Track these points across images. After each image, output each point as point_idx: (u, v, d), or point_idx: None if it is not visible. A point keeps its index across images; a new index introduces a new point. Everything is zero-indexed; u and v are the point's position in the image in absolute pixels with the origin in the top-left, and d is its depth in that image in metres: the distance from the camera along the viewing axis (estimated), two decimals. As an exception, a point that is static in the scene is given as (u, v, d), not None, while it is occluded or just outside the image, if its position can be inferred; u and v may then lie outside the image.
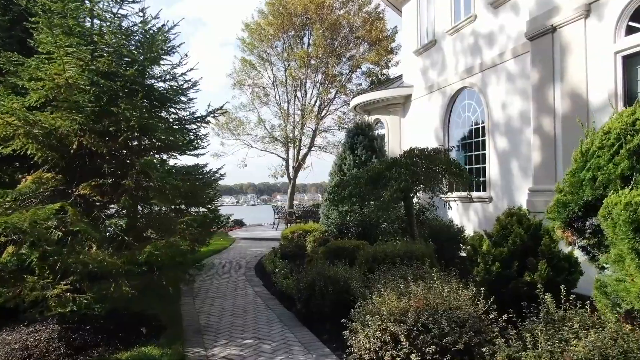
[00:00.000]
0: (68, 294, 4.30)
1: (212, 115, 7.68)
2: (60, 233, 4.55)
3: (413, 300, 3.82)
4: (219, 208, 20.95)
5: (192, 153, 10.24)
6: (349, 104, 26.18)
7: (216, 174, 9.72)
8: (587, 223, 4.13)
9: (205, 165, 9.74)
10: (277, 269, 8.18)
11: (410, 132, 13.38)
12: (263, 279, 8.50)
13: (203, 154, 10.24)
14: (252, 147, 26.26)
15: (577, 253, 4.73)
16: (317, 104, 25.22)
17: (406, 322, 3.59)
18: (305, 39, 25.01)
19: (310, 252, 10.18)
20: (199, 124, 7.53)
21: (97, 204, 5.29)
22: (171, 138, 8.09)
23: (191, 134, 9.81)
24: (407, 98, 13.60)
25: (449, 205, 8.30)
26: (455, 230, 9.18)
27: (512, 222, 5.55)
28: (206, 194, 6.81)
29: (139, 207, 6.67)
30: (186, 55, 7.90)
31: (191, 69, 6.35)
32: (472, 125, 10.81)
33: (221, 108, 7.51)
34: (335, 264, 6.88)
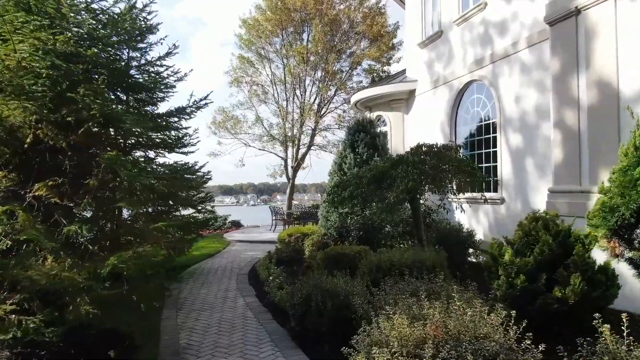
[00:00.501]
0: (13, 316, 3.58)
1: (195, 107, 6.98)
2: (8, 242, 3.84)
3: (430, 327, 3.09)
4: (213, 209, 20.04)
5: (180, 151, 9.58)
6: (349, 102, 25.47)
7: (199, 172, 9.03)
8: (639, 231, 3.41)
9: (194, 165, 9.06)
10: (270, 277, 7.47)
11: (414, 129, 12.65)
12: (256, 287, 7.78)
13: (193, 152, 9.56)
14: (249, 146, 25.56)
15: (622, 265, 4.01)
16: (317, 101, 24.51)
17: (422, 357, 2.87)
18: (305, 36, 24.32)
19: (308, 257, 9.46)
20: (180, 116, 6.82)
21: (59, 207, 4.57)
22: (150, 134, 7.42)
23: (176, 127, 9.13)
24: (411, 93, 12.87)
25: (462, 207, 7.57)
26: (465, 234, 8.45)
27: (537, 227, 4.83)
28: (189, 194, 6.04)
29: (125, 210, 5.98)
30: (175, 45, 7.22)
31: (169, 52, 5.61)
32: (481, 121, 10.09)
33: (206, 98, 6.81)
34: (334, 273, 6.16)
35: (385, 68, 25.42)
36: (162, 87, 5.80)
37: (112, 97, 5.63)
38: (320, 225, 11.59)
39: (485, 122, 9.91)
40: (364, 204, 6.45)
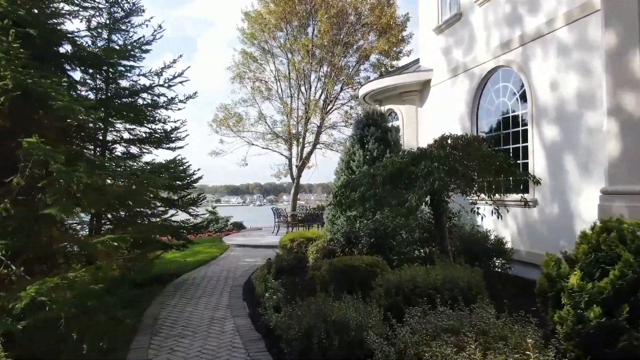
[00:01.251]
0: None
1: (168, 84, 5.92)
2: None
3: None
4: (215, 209, 18.82)
5: (168, 146, 8.48)
6: (356, 98, 24.32)
7: (184, 170, 7.98)
8: None
9: (178, 162, 7.98)
10: (267, 294, 6.35)
11: (429, 123, 11.49)
12: (250, 303, 6.68)
13: (181, 147, 8.47)
14: (253, 144, 24.48)
15: None
16: (323, 97, 23.37)
17: None
18: (310, 30, 23.17)
19: (312, 266, 8.34)
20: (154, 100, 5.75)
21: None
22: (133, 127, 6.36)
23: (158, 119, 8.04)
24: (426, 84, 11.70)
25: (497, 212, 6.38)
26: (494, 242, 7.30)
27: (609, 240, 3.67)
28: (145, 196, 4.94)
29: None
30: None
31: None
32: (508, 113, 8.91)
33: (181, 75, 5.73)
34: (342, 293, 5.05)
35: (395, 62, 24.21)
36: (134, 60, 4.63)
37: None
38: (325, 230, 10.47)
39: (513, 114, 8.73)
40: (377, 207, 5.32)
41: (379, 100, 13.06)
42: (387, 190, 5.05)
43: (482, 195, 6.09)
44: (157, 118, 8.29)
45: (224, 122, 24.05)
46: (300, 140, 23.44)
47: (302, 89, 23.28)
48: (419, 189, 4.68)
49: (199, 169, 8.40)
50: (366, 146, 9.81)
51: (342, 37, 22.14)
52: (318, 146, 24.72)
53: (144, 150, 8.37)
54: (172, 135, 8.47)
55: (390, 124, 10.39)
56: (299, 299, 4.83)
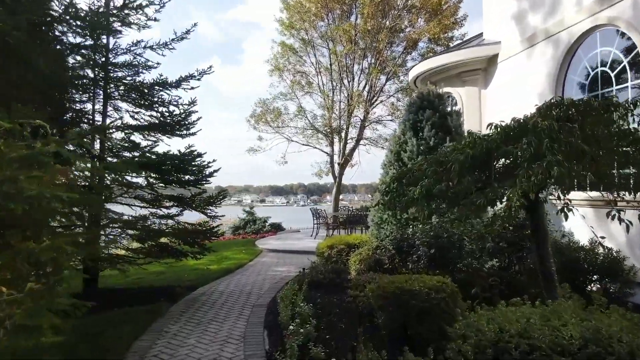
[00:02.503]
0: None
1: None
2: None
3: None
4: (252, 210, 17.25)
5: (180, 133, 7.07)
6: (403, 90, 22.37)
7: (195, 161, 6.51)
8: None
9: (189, 153, 6.56)
10: (293, 324, 4.72)
11: (496, 107, 9.48)
12: (272, 334, 5.08)
13: (193, 133, 7.06)
14: (292, 141, 23.06)
15: None
16: (367, 89, 21.57)
17: None
18: (353, 18, 21.42)
19: (355, 282, 6.67)
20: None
21: None
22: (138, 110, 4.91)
23: (169, 102, 6.65)
24: (492, 61, 9.70)
25: (626, 219, 4.39)
26: (605, 258, 5.31)
27: None
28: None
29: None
30: None
31: None
32: (611, 86, 6.83)
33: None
34: (394, 330, 3.37)
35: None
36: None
37: None
38: (370, 235, 8.74)
39: (619, 87, 6.65)
40: (451, 207, 3.56)
41: (433, 83, 11.07)
42: (468, 183, 3.27)
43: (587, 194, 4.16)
44: (165, 100, 6.89)
45: (261, 117, 22.79)
46: (342, 135, 21.77)
47: (345, 81, 21.61)
48: (524, 180, 2.88)
49: (214, 160, 6.92)
50: (421, 134, 8.01)
51: (387, 23, 20.26)
52: (362, 142, 22.98)
53: (150, 138, 6.98)
54: (184, 120, 7.05)
55: (451, 109, 8.50)
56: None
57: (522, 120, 3.37)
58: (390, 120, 22.92)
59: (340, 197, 23.37)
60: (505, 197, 2.98)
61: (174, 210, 7.43)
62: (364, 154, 51.69)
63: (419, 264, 6.21)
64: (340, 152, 22.26)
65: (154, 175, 6.56)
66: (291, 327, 4.67)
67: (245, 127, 23.21)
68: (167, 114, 6.75)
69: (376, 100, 21.93)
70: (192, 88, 7.01)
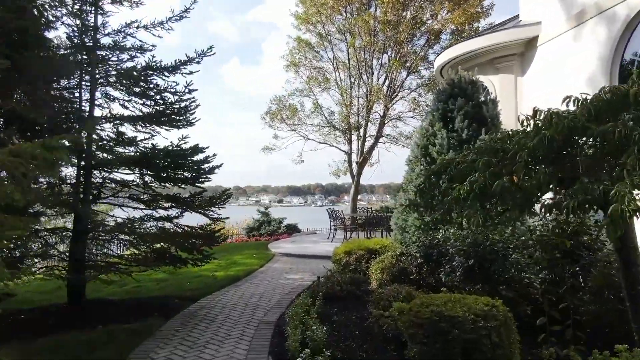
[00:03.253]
0: None
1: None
2: None
3: None
4: (267, 210, 16.25)
5: (178, 124, 6.26)
6: (425, 86, 21.26)
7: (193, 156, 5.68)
8: None
9: (181, 146, 5.71)
10: (303, 354, 3.80)
11: (535, 94, 8.42)
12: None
13: (192, 123, 6.26)
14: (308, 139, 22.18)
15: None
16: (386, 83, 20.54)
17: None
18: (372, 10, 20.39)
19: (377, 296, 5.73)
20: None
21: None
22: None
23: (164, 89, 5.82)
24: (530, 44, 8.63)
25: None
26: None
27: None
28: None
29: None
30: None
31: None
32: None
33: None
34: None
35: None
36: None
37: None
38: (394, 240, 7.78)
39: (695, 65, 5.56)
40: (521, 209, 2.60)
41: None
42: (543, 177, 2.32)
43: None
44: (161, 87, 6.07)
45: (277, 114, 21.96)
46: (361, 132, 20.78)
47: (364, 77, 20.60)
48: (638, 171, 1.93)
49: (214, 155, 6.06)
50: (452, 125, 7.03)
51: (407, 15, 19.18)
52: (381, 140, 21.94)
53: (143, 130, 6.16)
54: (183, 110, 6.22)
55: (482, 98, 7.47)
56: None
57: (622, 87, 2.38)
58: (411, 117, 21.85)
59: (358, 197, 22.37)
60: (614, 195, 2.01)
61: (173, 212, 6.62)
62: (384, 153, 50.48)
63: (454, 277, 5.22)
64: (359, 150, 21.29)
65: (149, 172, 5.74)
66: (303, 353, 3.76)
67: (261, 126, 22.19)
68: (161, 101, 5.91)
69: (396, 95, 20.87)
70: (191, 72, 6.18)
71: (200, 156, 6.15)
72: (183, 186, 6.11)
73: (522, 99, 8.80)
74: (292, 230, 18.79)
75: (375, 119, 20.99)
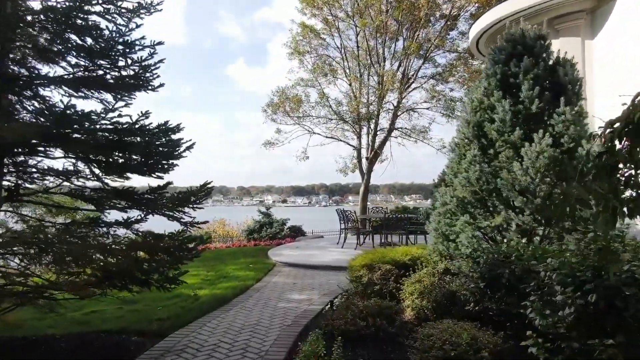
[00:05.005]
0: None
1: None
2: None
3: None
4: (269, 211, 14.18)
5: (132, 88, 4.26)
6: (440, 76, 19.28)
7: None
8: None
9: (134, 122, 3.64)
10: None
11: (613, 61, 6.45)
12: None
13: (154, 88, 4.30)
14: (314, 133, 20.23)
15: None
16: (401, 70, 18.59)
17: None
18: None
19: (421, 337, 3.82)
20: None
21: None
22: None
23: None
24: (603, -3, 6.68)
25: None
26: None
27: None
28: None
29: None
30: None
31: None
32: None
33: None
34: None
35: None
36: None
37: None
38: (433, 250, 5.83)
39: None
40: None
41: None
42: None
43: None
44: (106, 35, 4.17)
45: (279, 106, 20.02)
46: (372, 125, 18.83)
47: (375, 67, 18.64)
48: None
49: (182, 127, 4.15)
50: (517, 92, 5.07)
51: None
52: (393, 134, 19.95)
53: (90, 95, 4.26)
54: (143, 66, 4.33)
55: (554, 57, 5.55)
56: None
57: None
58: (427, 109, 19.82)
59: (364, 197, 20.28)
60: None
61: (133, 214, 4.72)
62: (395, 149, 48.00)
63: (556, 318, 3.27)
64: (369, 145, 19.34)
65: (76, 154, 3.83)
66: None
67: (262, 119, 20.05)
68: (106, 56, 4.00)
69: (411, 84, 18.89)
70: (151, 12, 4.27)
71: (165, 136, 4.26)
72: (125, 175, 4.18)
73: (592, 69, 6.84)
74: (297, 232, 16.84)
75: (389, 109, 19.03)
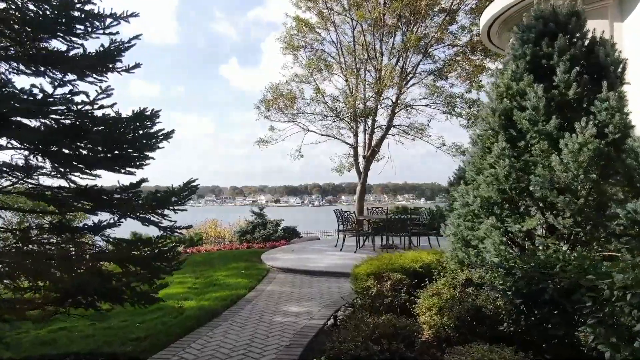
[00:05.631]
0: None
1: None
2: None
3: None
4: (262, 211, 13.44)
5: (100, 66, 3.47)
6: (438, 71, 18.64)
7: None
8: None
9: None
10: None
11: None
12: None
13: (129, 70, 3.54)
14: (309, 131, 19.49)
15: None
16: (400, 64, 17.91)
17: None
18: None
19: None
20: None
21: None
22: None
23: None
24: (634, -26, 6.02)
25: None
26: None
27: None
28: None
29: None
30: None
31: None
32: None
33: None
34: None
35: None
36: None
37: None
38: (450, 256, 5.12)
39: None
40: None
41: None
42: None
43: None
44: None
45: (273, 103, 19.26)
46: (369, 121, 18.14)
47: (372, 62, 17.96)
48: None
49: (158, 113, 3.41)
50: (552, 76, 4.38)
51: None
52: (390, 131, 19.23)
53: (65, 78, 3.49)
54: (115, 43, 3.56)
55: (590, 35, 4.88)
56: None
57: None
58: (425, 106, 19.13)
59: (360, 196, 19.52)
60: None
61: (104, 217, 3.95)
62: (392, 147, 47.42)
63: (633, 351, 2.58)
64: (366, 143, 18.65)
65: (27, 145, 3.07)
66: None
67: (255, 116, 19.27)
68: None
69: (410, 79, 18.23)
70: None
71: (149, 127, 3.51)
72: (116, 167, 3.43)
73: (624, 51, 6.18)
74: (291, 234, 16.02)
75: (387, 105, 18.35)
